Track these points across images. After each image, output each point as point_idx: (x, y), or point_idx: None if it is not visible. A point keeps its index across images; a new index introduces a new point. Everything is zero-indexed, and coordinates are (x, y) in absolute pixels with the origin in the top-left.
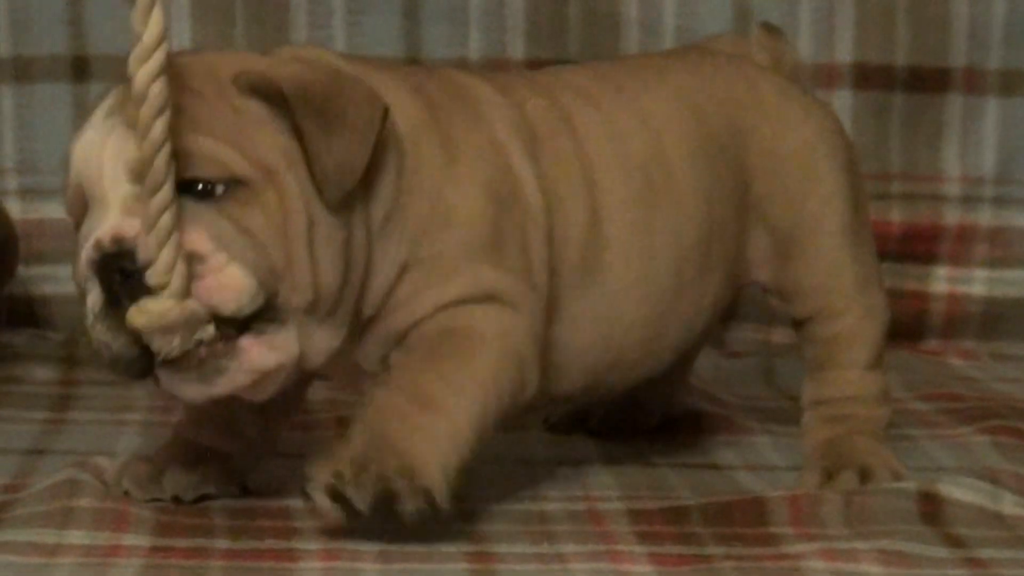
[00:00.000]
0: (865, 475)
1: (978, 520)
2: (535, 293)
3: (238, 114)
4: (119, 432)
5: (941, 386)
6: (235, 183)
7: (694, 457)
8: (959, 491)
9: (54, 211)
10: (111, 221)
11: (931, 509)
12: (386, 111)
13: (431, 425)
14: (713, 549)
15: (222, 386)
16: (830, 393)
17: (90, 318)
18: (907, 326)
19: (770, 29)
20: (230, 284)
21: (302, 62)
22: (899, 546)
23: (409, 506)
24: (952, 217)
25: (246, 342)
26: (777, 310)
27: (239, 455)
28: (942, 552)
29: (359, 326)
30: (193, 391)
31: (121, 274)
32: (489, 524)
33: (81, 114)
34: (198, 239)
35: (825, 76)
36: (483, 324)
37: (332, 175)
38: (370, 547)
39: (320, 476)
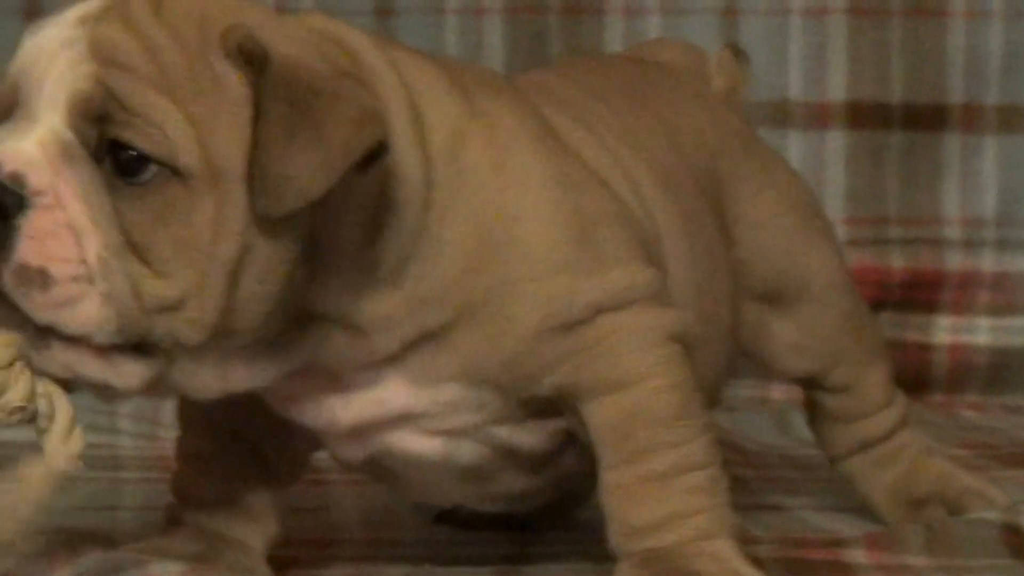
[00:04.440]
0: (956, 507)
1: None
2: (660, 273)
3: (216, 84)
4: (120, 489)
5: (968, 436)
6: (172, 172)
7: (750, 497)
8: None
9: None
10: (21, 147)
11: (1017, 541)
12: (380, 144)
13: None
14: None
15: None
16: (867, 436)
17: None
18: (910, 379)
19: (737, 52)
20: (82, 316)
21: (320, 39)
22: None
23: None
24: (953, 262)
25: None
26: (778, 369)
27: (256, 542)
28: None
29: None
30: None
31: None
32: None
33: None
34: (68, 251)
35: (817, 116)
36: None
37: (273, 185)
38: None
39: None
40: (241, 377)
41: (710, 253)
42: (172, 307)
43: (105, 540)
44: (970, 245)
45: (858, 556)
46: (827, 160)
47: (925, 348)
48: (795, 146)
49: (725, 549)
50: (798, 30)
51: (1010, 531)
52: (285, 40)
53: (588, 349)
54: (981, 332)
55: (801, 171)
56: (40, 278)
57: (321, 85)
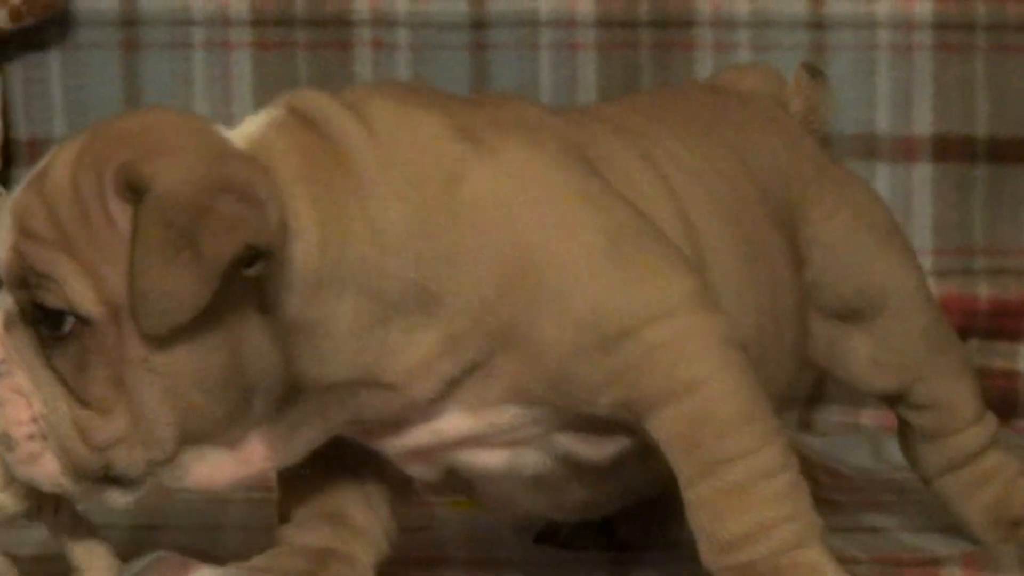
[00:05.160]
0: None
1: None
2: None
3: (109, 225)
4: (223, 509)
5: None
6: (83, 320)
7: (846, 519)
8: None
9: None
10: None
11: None
12: (249, 247)
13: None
14: None
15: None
16: (958, 455)
17: None
18: (995, 406)
19: (813, 73)
20: (42, 473)
21: (216, 148)
22: None
23: None
24: None
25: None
26: (861, 387)
27: (365, 556)
28: None
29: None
30: None
31: None
32: None
33: None
34: (21, 414)
35: (904, 149)
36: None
37: (155, 303)
38: None
39: None
40: (264, 458)
41: (772, 276)
42: (122, 439)
43: (213, 558)
44: None
45: (955, 574)
46: (914, 192)
47: (1011, 375)
48: (883, 179)
49: (819, 558)
50: (885, 65)
51: None
52: (172, 163)
53: (639, 364)
54: None
55: (889, 203)
56: (5, 441)
57: (197, 201)
